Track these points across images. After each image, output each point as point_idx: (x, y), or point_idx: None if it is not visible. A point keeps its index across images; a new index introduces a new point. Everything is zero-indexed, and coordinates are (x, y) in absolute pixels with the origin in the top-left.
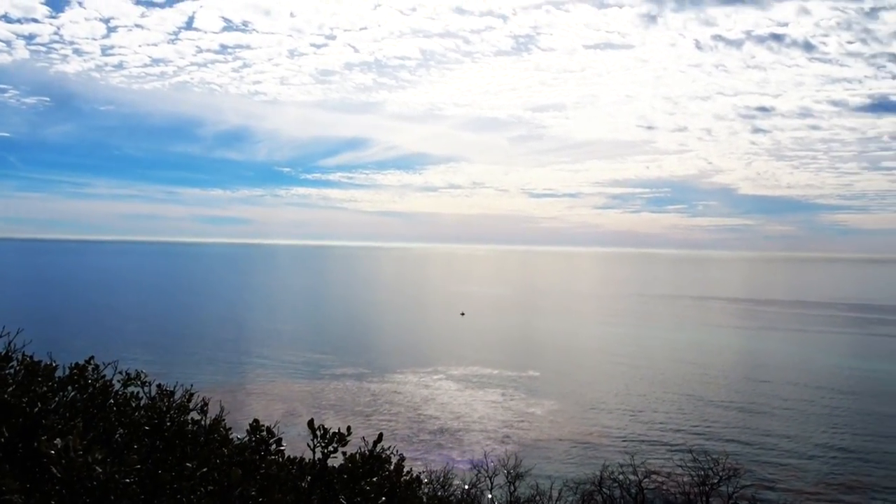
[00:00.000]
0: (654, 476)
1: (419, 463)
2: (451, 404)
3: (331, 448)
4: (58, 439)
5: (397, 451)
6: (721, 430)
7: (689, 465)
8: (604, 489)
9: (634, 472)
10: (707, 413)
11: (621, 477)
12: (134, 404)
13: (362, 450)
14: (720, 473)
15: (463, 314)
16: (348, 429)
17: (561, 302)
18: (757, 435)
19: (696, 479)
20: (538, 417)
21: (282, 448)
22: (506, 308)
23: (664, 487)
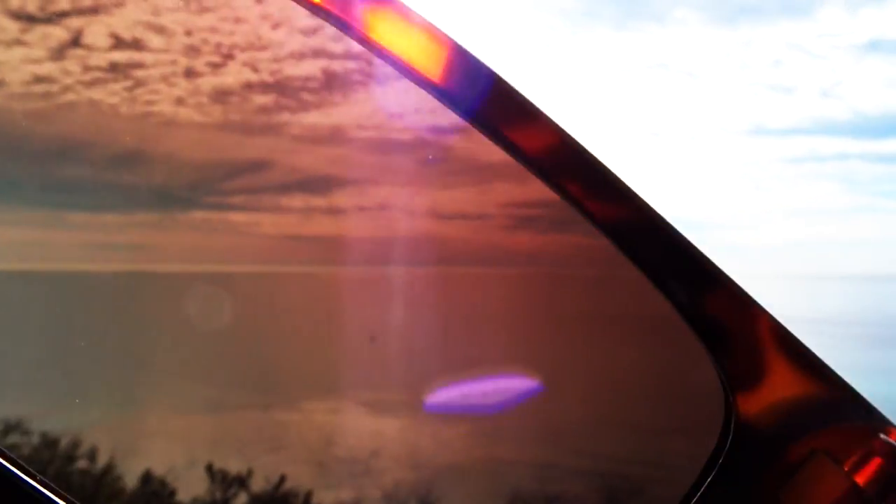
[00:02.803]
0: (565, 493)
1: (329, 495)
2: (361, 431)
3: (231, 492)
4: None
5: (304, 490)
6: (633, 452)
7: (600, 479)
8: None
9: (543, 490)
10: (620, 433)
11: (532, 496)
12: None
13: (265, 492)
14: (629, 486)
15: (373, 339)
16: (249, 471)
17: (472, 323)
18: (662, 454)
19: (604, 492)
20: (452, 439)
21: (177, 501)
22: (419, 331)
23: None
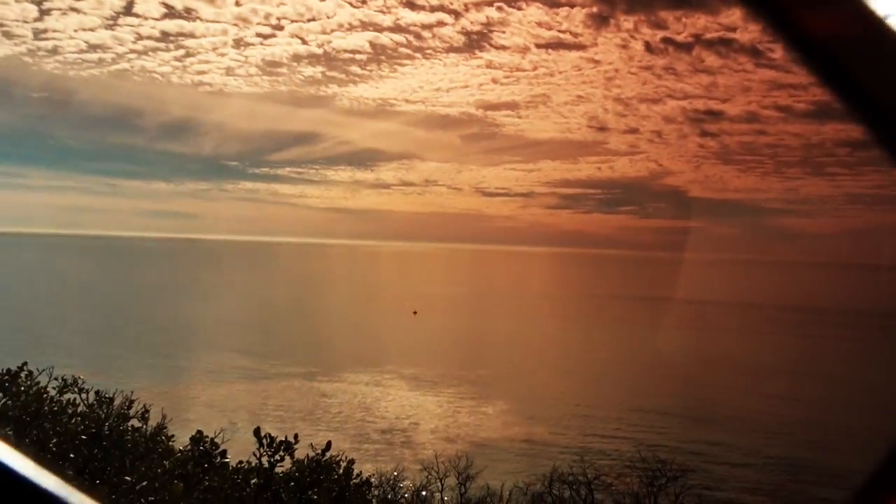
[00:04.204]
0: (603, 477)
1: (368, 465)
2: (402, 404)
3: (277, 457)
4: None
5: (346, 457)
6: (669, 432)
7: (637, 465)
8: (553, 490)
9: (584, 473)
10: (656, 414)
11: (571, 478)
12: (70, 412)
13: (310, 457)
14: (668, 473)
15: (415, 313)
16: (295, 436)
17: (513, 301)
18: (703, 437)
19: (644, 479)
20: (489, 416)
21: (226, 460)
22: (458, 307)
23: (613, 487)
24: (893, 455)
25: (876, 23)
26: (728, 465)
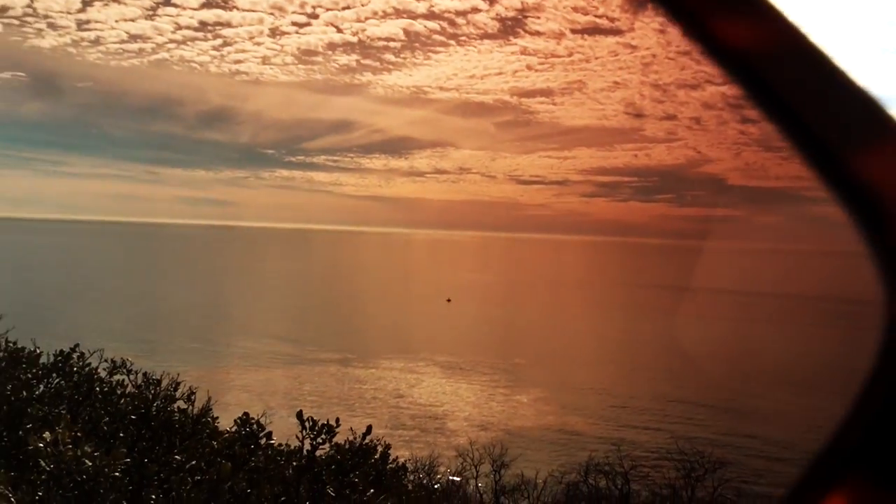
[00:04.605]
0: (639, 467)
1: (404, 450)
2: (437, 390)
3: (319, 440)
4: (46, 432)
5: (383, 441)
6: (707, 423)
7: (674, 456)
8: (589, 480)
9: (620, 463)
10: (693, 405)
11: (607, 467)
12: (119, 392)
13: (350, 441)
14: (706, 465)
15: (449, 300)
16: (337, 420)
17: (548, 290)
18: (743, 429)
19: (681, 470)
20: (524, 405)
21: (271, 442)
22: (493, 295)
23: (650, 478)
24: (830, 450)
25: (794, 34)
26: (765, 458)
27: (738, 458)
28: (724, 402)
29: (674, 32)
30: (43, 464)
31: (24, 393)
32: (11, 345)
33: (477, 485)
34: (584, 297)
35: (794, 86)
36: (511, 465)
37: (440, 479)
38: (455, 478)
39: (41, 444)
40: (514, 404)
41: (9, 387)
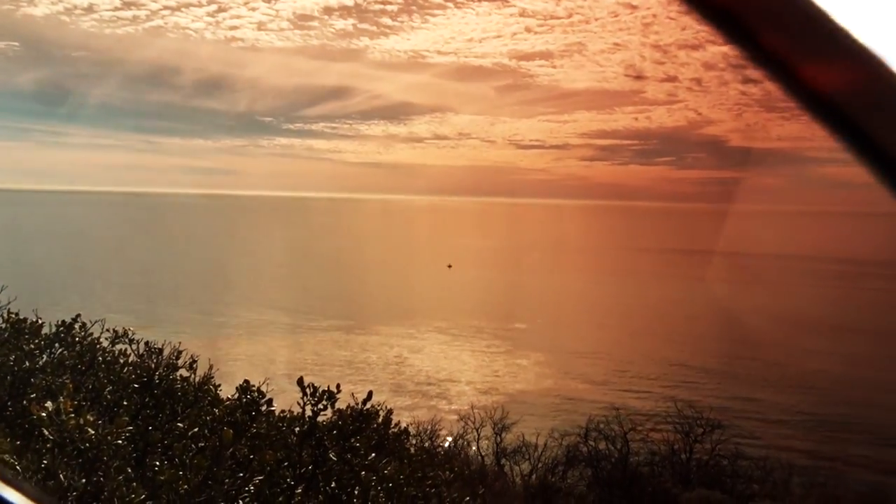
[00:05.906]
0: (639, 428)
1: (406, 415)
2: (438, 355)
3: (320, 406)
4: (49, 402)
5: (385, 406)
6: (706, 387)
7: (673, 418)
8: (589, 441)
9: (619, 425)
10: (693, 370)
11: (606, 429)
12: (122, 362)
13: (351, 406)
14: (704, 426)
15: (450, 266)
16: (337, 386)
17: (548, 255)
18: (741, 393)
19: (680, 431)
20: (524, 369)
21: (272, 409)
22: (493, 261)
23: (649, 439)
24: None
25: (882, 70)
26: (762, 421)
27: (733, 420)
28: (725, 366)
29: None
30: (46, 433)
31: (28, 363)
32: (14, 315)
33: (479, 447)
34: (584, 262)
35: (882, 121)
36: (512, 428)
37: (442, 442)
38: (458, 440)
39: (44, 414)
40: (514, 369)
41: (12, 357)
